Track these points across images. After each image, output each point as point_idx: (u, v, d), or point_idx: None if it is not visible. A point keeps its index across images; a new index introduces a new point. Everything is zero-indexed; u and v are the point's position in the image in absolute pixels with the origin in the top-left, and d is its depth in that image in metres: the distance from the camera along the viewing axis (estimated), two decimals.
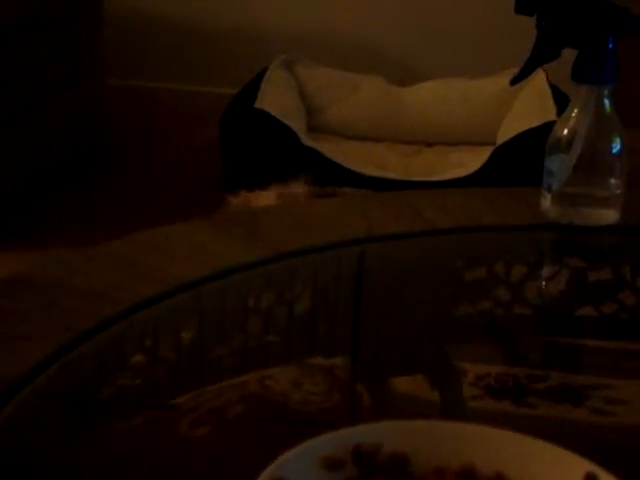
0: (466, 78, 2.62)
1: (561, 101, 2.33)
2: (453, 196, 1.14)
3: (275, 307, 1.00)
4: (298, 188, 2.05)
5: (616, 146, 1.04)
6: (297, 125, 2.36)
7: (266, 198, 2.00)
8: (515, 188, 1.15)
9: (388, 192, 1.18)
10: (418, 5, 2.85)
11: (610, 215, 1.06)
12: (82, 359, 0.81)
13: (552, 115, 2.28)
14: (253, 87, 2.46)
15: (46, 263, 0.91)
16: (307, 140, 2.31)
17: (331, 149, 2.32)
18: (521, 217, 1.09)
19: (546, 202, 1.06)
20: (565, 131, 1.04)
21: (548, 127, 1.08)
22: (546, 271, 1.12)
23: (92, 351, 0.82)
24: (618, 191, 1.05)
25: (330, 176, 2.22)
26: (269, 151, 2.32)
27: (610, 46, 1.00)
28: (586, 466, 0.62)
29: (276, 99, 2.41)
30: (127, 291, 0.88)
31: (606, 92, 1.02)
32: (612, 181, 1.05)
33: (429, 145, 2.58)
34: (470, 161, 2.34)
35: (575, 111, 1.04)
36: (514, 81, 1.01)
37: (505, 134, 2.38)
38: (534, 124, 2.26)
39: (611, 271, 1.09)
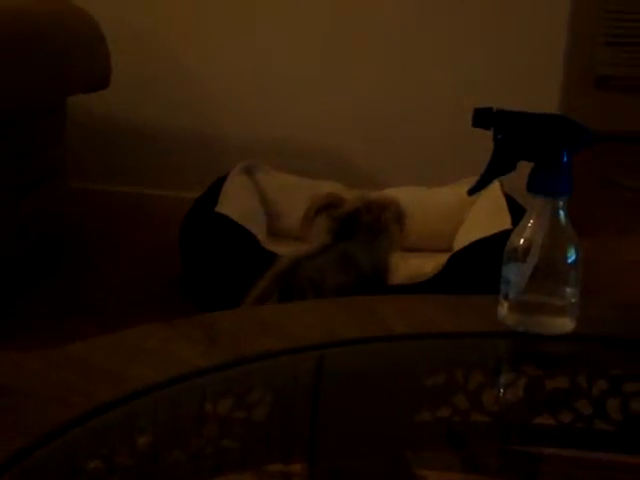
0: (424, 187, 2.66)
1: (516, 211, 2.37)
2: (412, 302, 1.15)
3: (232, 412, 1.00)
4: None
5: (571, 256, 1.06)
6: (257, 229, 2.38)
7: None
8: (473, 296, 1.16)
9: (348, 297, 1.18)
10: (377, 115, 2.91)
11: (566, 324, 1.08)
12: (36, 466, 0.80)
13: (507, 224, 2.31)
14: (214, 192, 2.48)
15: (1, 366, 0.90)
16: (267, 244, 2.32)
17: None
18: (479, 324, 1.10)
19: (503, 310, 1.08)
20: (521, 241, 1.06)
21: (503, 235, 1.10)
22: (503, 379, 1.13)
23: (47, 457, 0.81)
24: (574, 300, 1.07)
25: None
26: (229, 255, 2.32)
27: (565, 159, 1.02)
28: None
29: (237, 204, 2.43)
30: (83, 395, 0.88)
31: (561, 204, 1.04)
32: (568, 290, 1.06)
33: None
34: (428, 266, 2.36)
35: (531, 221, 1.06)
36: (472, 191, 1.03)
37: (461, 241, 2.41)
38: (489, 232, 2.29)
39: (567, 379, 1.10)
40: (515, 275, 1.06)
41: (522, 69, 2.87)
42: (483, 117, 1.01)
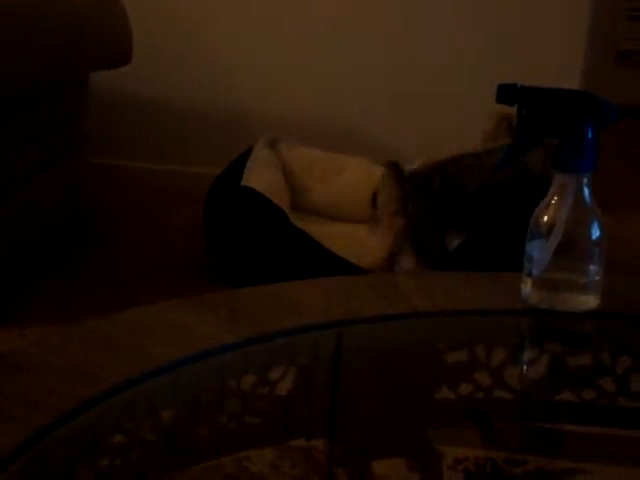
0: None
1: None
2: (436, 279, 1.15)
3: (255, 389, 1.00)
4: None
5: (595, 233, 1.05)
6: (283, 204, 2.37)
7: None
8: (496, 272, 1.16)
9: (374, 275, 1.18)
10: (399, 91, 2.89)
11: (589, 301, 1.07)
12: (61, 441, 0.80)
13: None
14: (238, 166, 2.46)
15: (24, 342, 0.90)
16: (296, 221, 2.32)
17: (315, 230, 2.33)
18: (502, 301, 1.09)
19: (526, 287, 1.07)
20: (545, 217, 1.05)
21: None
22: (526, 355, 1.12)
23: (71, 433, 0.81)
24: (597, 277, 1.06)
25: (314, 259, 2.24)
26: (256, 230, 2.31)
27: (589, 136, 1.01)
28: None
29: (262, 177, 2.41)
30: (106, 371, 0.88)
31: (585, 180, 1.04)
32: (591, 267, 1.06)
33: None
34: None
35: (555, 198, 1.05)
36: (497, 168, 1.02)
37: None
38: None
39: (591, 357, 1.10)
40: (539, 252, 1.05)
41: (544, 40, 2.85)
42: (507, 93, 1.00)
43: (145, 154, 2.91)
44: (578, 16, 2.83)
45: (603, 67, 3.22)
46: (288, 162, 2.58)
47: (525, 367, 1.12)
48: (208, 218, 2.43)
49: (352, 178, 2.64)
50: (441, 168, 2.16)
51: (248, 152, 2.54)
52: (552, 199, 1.05)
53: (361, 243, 2.42)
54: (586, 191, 1.04)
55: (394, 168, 2.27)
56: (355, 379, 1.07)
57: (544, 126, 1.02)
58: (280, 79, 2.93)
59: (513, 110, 2.36)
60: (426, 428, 1.11)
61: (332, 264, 2.25)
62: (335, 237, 2.35)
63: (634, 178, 3.15)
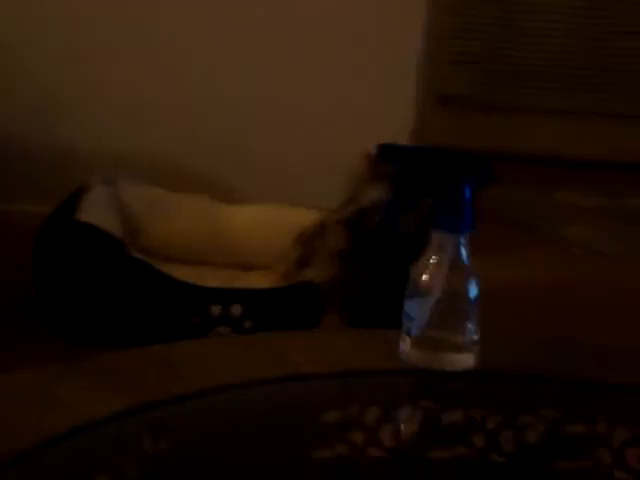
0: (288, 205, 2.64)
1: None
2: (321, 338, 1.14)
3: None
4: None
5: (472, 292, 1.05)
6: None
7: None
8: (379, 330, 1.16)
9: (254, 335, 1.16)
10: (234, 126, 2.87)
11: (466, 359, 1.07)
12: None
13: None
14: (71, 203, 2.38)
15: None
16: (134, 252, 2.26)
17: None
18: (384, 361, 1.09)
19: (405, 346, 1.07)
20: (423, 276, 1.06)
21: None
22: (400, 413, 1.12)
23: None
24: (475, 336, 1.07)
25: (155, 290, 2.20)
26: (92, 266, 2.25)
27: (466, 196, 1.02)
28: None
29: (98, 215, 2.35)
30: None
31: (462, 240, 1.04)
32: (469, 326, 1.06)
33: (248, 269, 2.58)
34: None
35: (433, 257, 1.05)
36: (378, 226, 1.02)
37: None
38: None
39: (462, 414, 1.10)
40: (417, 311, 1.05)
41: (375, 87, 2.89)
42: (390, 153, 1.01)
43: None
44: (406, 64, 2.89)
45: (431, 112, 3.28)
46: (126, 201, 2.52)
47: (400, 425, 1.12)
48: (38, 258, 2.35)
49: (190, 218, 2.61)
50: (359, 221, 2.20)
51: (81, 190, 2.46)
52: (430, 257, 1.05)
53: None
54: (463, 250, 1.05)
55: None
56: (234, 441, 1.05)
57: (423, 185, 1.02)
58: (109, 116, 2.86)
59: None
60: None
61: (175, 292, 2.23)
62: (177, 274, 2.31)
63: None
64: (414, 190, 1.02)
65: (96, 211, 2.36)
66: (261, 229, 2.61)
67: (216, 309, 2.21)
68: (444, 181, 1.02)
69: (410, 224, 2.29)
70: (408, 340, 1.06)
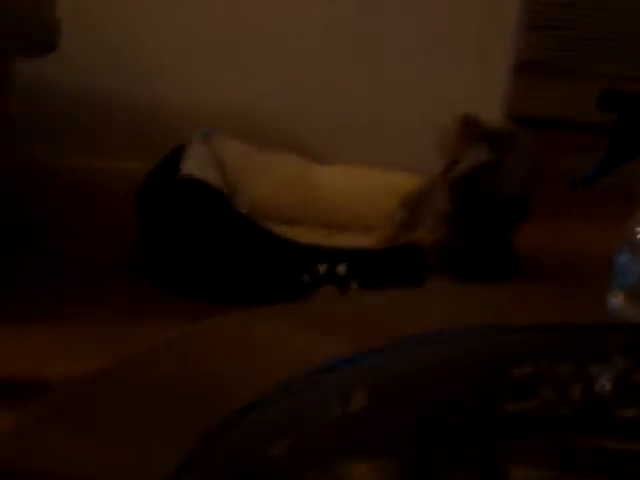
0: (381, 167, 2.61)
1: None
2: (519, 293, 1.10)
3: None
4: None
5: None
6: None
7: None
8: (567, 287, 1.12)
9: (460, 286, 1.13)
10: (330, 88, 2.84)
11: None
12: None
13: None
14: (171, 162, 2.37)
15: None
16: (242, 208, 2.25)
17: None
18: (589, 315, 1.05)
19: (618, 300, 1.03)
20: (638, 229, 1.02)
21: None
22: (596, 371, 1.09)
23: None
24: None
25: (263, 246, 2.18)
26: (197, 221, 2.23)
27: None
28: None
29: (202, 170, 2.33)
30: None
31: None
32: None
33: (342, 229, 2.55)
34: None
35: None
36: (585, 182, 0.98)
37: None
38: None
39: None
40: (631, 265, 1.02)
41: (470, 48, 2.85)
42: (610, 99, 0.96)
43: (69, 147, 2.76)
44: (504, 23, 2.84)
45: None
46: (224, 158, 2.49)
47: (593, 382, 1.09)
48: (143, 214, 2.33)
49: (284, 176, 2.58)
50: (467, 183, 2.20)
51: (180, 148, 2.44)
52: None
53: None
54: None
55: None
56: (422, 394, 1.03)
57: None
58: (209, 72, 2.83)
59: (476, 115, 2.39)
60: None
61: (283, 250, 2.21)
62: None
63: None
64: (635, 141, 0.98)
65: (199, 167, 2.34)
66: (355, 190, 2.59)
67: (323, 267, 2.20)
68: None
69: (514, 188, 2.27)
70: (621, 295, 1.03)
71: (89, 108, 2.77)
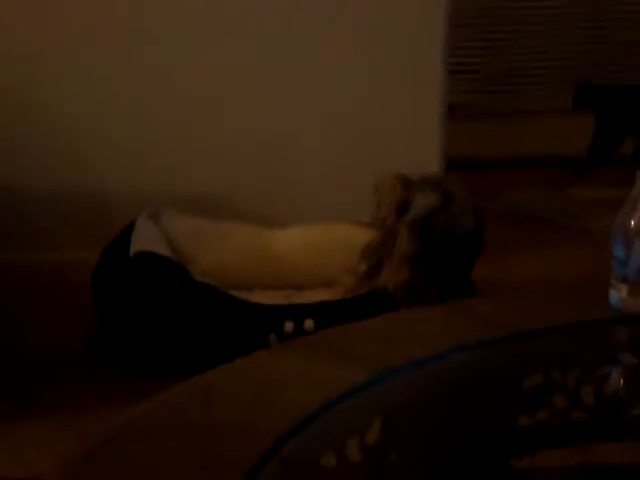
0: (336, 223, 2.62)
1: None
2: (517, 299, 1.10)
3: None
4: None
5: None
6: None
7: None
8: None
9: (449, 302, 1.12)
10: (267, 151, 2.84)
11: None
12: None
13: None
14: (122, 242, 2.34)
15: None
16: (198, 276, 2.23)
17: None
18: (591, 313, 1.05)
19: (620, 293, 1.03)
20: (632, 219, 1.02)
21: None
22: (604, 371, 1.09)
23: None
24: None
25: (226, 311, 2.16)
26: (156, 295, 2.20)
27: None
28: None
29: (153, 245, 2.30)
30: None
31: None
32: None
33: (299, 289, 2.54)
34: None
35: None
36: (578, 172, 0.98)
37: None
38: None
39: None
40: (629, 255, 1.01)
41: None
42: (584, 94, 0.97)
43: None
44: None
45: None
46: (173, 233, 2.47)
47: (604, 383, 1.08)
48: (99, 294, 2.29)
49: (237, 244, 2.56)
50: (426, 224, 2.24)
51: (130, 227, 2.42)
52: (636, 199, 1.02)
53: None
54: None
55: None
56: (432, 416, 1.02)
57: (624, 124, 0.99)
58: (142, 156, 2.82)
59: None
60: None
61: (247, 313, 2.19)
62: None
63: None
64: (615, 130, 0.99)
65: (149, 243, 2.32)
66: (310, 248, 2.57)
67: (289, 325, 2.18)
68: None
69: (469, 223, 2.29)
70: (624, 287, 1.02)
71: (33, 203, 2.74)
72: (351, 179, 2.82)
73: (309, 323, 2.18)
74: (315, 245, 2.56)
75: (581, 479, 1.10)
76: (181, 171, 2.82)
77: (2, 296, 2.34)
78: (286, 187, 2.87)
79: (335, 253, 2.49)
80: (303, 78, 2.86)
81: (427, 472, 1.00)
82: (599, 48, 3.91)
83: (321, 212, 2.71)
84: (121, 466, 0.73)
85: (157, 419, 0.77)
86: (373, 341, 0.97)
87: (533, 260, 2.88)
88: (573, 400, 1.08)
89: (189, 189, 2.81)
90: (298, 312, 2.20)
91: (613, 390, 1.09)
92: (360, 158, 2.83)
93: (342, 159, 2.88)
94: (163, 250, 2.35)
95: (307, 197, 2.85)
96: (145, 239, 2.33)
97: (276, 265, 2.54)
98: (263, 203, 2.84)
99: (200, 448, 0.73)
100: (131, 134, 2.81)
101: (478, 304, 1.12)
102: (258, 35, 2.80)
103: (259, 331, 2.17)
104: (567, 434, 1.09)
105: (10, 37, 2.72)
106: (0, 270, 2.52)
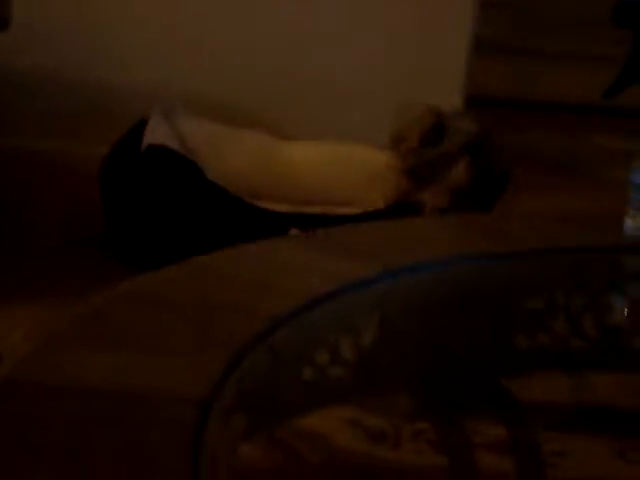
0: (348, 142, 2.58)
1: None
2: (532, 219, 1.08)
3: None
4: None
5: None
6: None
7: None
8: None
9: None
10: (292, 66, 2.81)
11: None
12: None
13: None
14: (133, 136, 2.31)
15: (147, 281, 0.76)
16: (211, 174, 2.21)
17: None
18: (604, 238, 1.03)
19: (637, 221, 1.01)
20: None
21: None
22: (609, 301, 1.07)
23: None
24: None
25: (236, 215, 2.14)
26: (166, 192, 2.18)
27: None
28: None
29: (165, 141, 2.28)
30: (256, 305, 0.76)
31: None
32: None
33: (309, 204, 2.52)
34: None
35: None
36: (606, 94, 0.95)
37: None
38: None
39: None
40: None
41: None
42: (625, 15, 0.94)
43: (25, 129, 2.68)
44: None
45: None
46: (186, 135, 2.44)
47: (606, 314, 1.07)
48: (107, 190, 2.27)
49: (251, 152, 2.54)
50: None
51: (141, 123, 2.39)
52: None
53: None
54: None
55: None
56: (430, 324, 1.00)
57: None
58: (166, 49, 2.78)
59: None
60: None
61: (255, 217, 2.18)
62: None
63: None
64: None
65: (163, 138, 2.29)
66: (323, 166, 2.55)
67: (295, 233, 2.17)
68: None
69: (502, 160, 2.27)
70: (639, 216, 1.00)
71: (43, 89, 2.71)
72: (369, 106, 2.78)
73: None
74: (331, 162, 2.53)
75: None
76: (200, 73, 2.79)
77: (4, 184, 2.32)
78: (304, 104, 2.83)
79: (351, 173, 2.47)
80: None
81: (418, 381, 0.99)
82: None
83: (337, 131, 2.68)
84: (111, 333, 0.71)
85: (151, 292, 0.76)
86: (382, 242, 0.95)
87: (545, 200, 2.86)
88: (574, 327, 1.06)
89: (206, 92, 2.77)
90: (305, 220, 2.19)
91: (616, 321, 1.08)
92: (379, 86, 2.79)
93: (362, 84, 2.84)
94: (175, 148, 2.32)
95: (325, 116, 2.82)
96: (158, 135, 2.30)
97: (288, 177, 2.51)
98: (279, 116, 2.80)
99: (194, 322, 0.72)
100: (155, 29, 2.78)
101: (495, 219, 1.10)
102: None
103: (264, 236, 2.15)
104: (565, 361, 1.08)
105: None
106: (3, 156, 2.50)
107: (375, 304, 0.92)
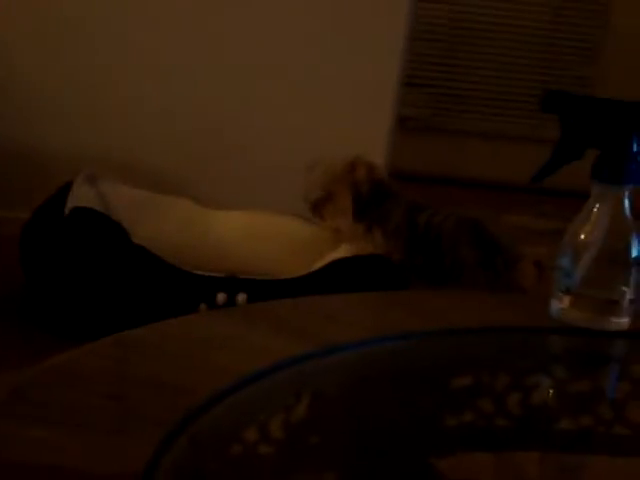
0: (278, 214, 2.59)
1: None
2: (461, 297, 1.08)
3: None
4: None
5: (634, 249, 1.01)
6: None
7: None
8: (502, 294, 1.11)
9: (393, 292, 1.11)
10: (214, 133, 2.81)
11: (622, 320, 1.03)
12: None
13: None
14: (57, 202, 2.28)
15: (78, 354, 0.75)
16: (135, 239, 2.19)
17: None
18: (531, 319, 1.04)
19: (561, 304, 1.02)
20: (582, 230, 1.01)
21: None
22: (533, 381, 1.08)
23: None
24: (631, 296, 1.03)
25: (159, 276, 2.13)
26: (90, 255, 2.15)
27: (634, 147, 0.98)
28: None
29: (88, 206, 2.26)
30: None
31: (627, 193, 1.00)
32: (627, 284, 1.02)
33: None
34: None
35: (594, 210, 1.01)
36: (535, 179, 0.98)
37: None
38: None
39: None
40: (573, 267, 1.01)
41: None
42: (552, 102, 0.96)
43: None
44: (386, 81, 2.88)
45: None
46: (111, 201, 2.42)
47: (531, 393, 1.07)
48: (26, 257, 2.24)
49: (175, 219, 2.53)
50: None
51: (65, 188, 2.36)
52: (590, 211, 1.01)
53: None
54: (626, 204, 1.01)
55: None
56: (359, 402, 1.00)
57: (587, 137, 0.98)
58: (85, 115, 2.76)
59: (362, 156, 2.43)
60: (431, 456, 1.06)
61: (182, 280, 2.15)
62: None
63: None
64: (580, 141, 0.98)
65: (87, 202, 2.28)
66: (248, 237, 2.55)
67: (222, 297, 2.16)
68: (610, 131, 0.98)
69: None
70: (566, 298, 1.02)
71: None
72: (294, 174, 2.80)
73: (242, 297, 2.16)
74: (255, 233, 2.53)
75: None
76: (121, 139, 2.78)
77: None
78: (230, 169, 2.84)
79: (274, 244, 2.47)
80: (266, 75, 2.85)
81: (346, 460, 0.98)
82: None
83: (264, 200, 2.69)
84: (38, 408, 0.70)
85: (80, 366, 0.75)
86: (313, 318, 0.95)
87: None
88: (499, 406, 1.07)
89: (129, 159, 2.76)
90: (232, 285, 2.18)
91: (540, 401, 1.08)
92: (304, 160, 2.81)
93: (289, 153, 2.86)
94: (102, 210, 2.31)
95: (252, 182, 2.83)
96: (82, 198, 2.28)
97: (213, 247, 2.51)
98: (205, 182, 2.80)
99: (122, 398, 0.71)
100: (76, 95, 2.76)
101: (421, 296, 1.10)
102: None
103: (190, 299, 2.14)
104: (490, 439, 1.08)
105: None
106: None
107: (305, 382, 0.92)
